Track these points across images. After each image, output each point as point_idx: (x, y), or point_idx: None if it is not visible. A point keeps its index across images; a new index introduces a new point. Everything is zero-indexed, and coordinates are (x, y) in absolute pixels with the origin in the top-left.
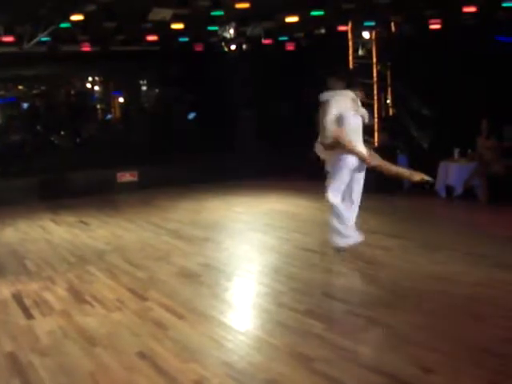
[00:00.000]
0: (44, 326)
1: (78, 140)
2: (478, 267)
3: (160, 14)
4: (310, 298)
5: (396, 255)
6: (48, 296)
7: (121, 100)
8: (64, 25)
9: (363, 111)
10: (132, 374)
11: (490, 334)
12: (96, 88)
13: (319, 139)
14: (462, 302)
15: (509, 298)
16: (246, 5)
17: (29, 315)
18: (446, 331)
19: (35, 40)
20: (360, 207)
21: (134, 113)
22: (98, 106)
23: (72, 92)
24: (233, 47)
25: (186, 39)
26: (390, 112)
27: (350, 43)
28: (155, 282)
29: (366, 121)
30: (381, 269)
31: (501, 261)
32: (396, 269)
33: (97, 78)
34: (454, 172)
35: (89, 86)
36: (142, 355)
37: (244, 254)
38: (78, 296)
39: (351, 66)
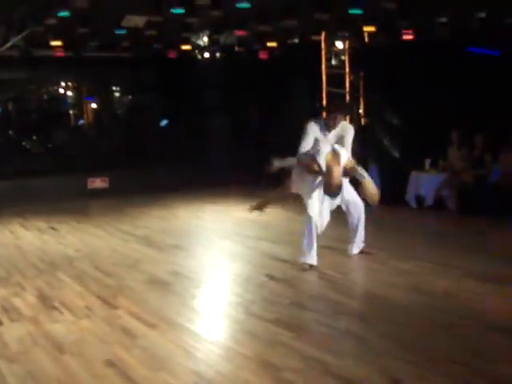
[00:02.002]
0: (12, 332)
1: (49, 145)
2: (447, 277)
3: (133, 21)
4: (279, 308)
5: (365, 265)
6: (17, 302)
7: (93, 106)
8: (37, 29)
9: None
10: (100, 382)
11: (459, 344)
12: (69, 93)
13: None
14: (431, 312)
15: (478, 307)
16: (219, 12)
17: None
18: (416, 341)
19: (8, 44)
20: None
21: (106, 119)
22: (71, 112)
23: (44, 97)
24: (206, 55)
25: (160, 46)
26: (362, 122)
27: (323, 53)
28: (124, 290)
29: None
30: (350, 279)
31: (470, 270)
32: (366, 279)
33: (69, 84)
34: (424, 182)
35: (61, 91)
36: (110, 363)
37: (214, 263)
38: (47, 302)
39: (324, 75)
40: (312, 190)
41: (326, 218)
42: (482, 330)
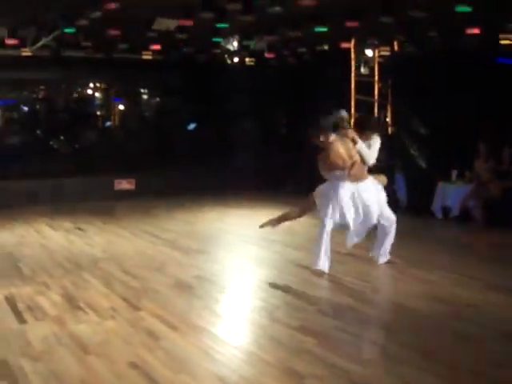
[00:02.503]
0: (37, 331)
1: (76, 145)
2: (471, 289)
3: (164, 24)
4: (303, 314)
5: (389, 274)
6: (42, 301)
7: (121, 107)
8: (68, 30)
9: None
10: (123, 383)
11: (480, 356)
12: (97, 94)
13: None
14: (454, 323)
15: (501, 320)
16: (250, 18)
17: (21, 319)
18: (438, 352)
19: (39, 44)
20: None
21: (133, 121)
22: (98, 113)
23: (73, 97)
24: (236, 60)
25: (190, 50)
26: (389, 131)
27: (353, 61)
28: (149, 292)
29: None
30: (374, 287)
31: (494, 283)
32: (389, 287)
33: (98, 85)
34: (451, 193)
35: (90, 92)
36: (134, 365)
37: (238, 267)
38: (72, 302)
39: (353, 83)
40: (331, 201)
41: (359, 234)
42: (504, 341)
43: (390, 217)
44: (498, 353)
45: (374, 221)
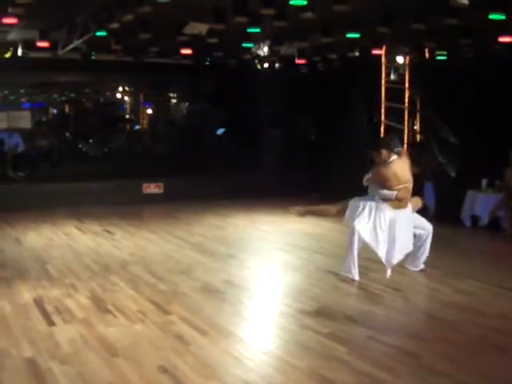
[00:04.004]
0: (65, 333)
1: (105, 149)
2: (503, 299)
3: (196, 28)
4: (333, 321)
5: (421, 283)
6: (70, 303)
7: (149, 111)
8: (99, 33)
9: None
10: None
11: None
12: (126, 98)
13: None
14: (487, 334)
15: None
16: (282, 23)
17: (50, 321)
18: (472, 363)
19: (70, 46)
20: None
21: (162, 125)
22: (127, 116)
23: (102, 100)
24: (266, 65)
25: (220, 54)
26: (418, 138)
27: (383, 67)
28: (178, 296)
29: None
30: (406, 296)
31: None
32: (421, 296)
33: (127, 88)
34: (480, 202)
35: (119, 95)
36: (163, 369)
37: (267, 273)
38: (100, 305)
39: (383, 90)
40: (369, 216)
41: (397, 254)
42: None
43: (426, 226)
44: None
45: (411, 248)
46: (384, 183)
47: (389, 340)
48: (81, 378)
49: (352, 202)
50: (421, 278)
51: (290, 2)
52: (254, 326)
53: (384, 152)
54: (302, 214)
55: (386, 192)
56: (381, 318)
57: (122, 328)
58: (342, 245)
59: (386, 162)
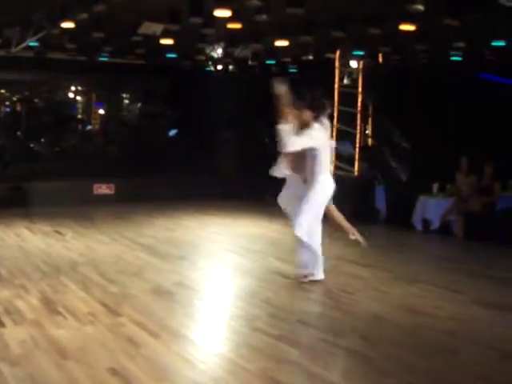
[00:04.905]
0: (15, 334)
1: (57, 148)
2: (453, 302)
3: (151, 28)
4: (284, 324)
5: (372, 286)
6: (20, 304)
7: (102, 112)
8: (53, 31)
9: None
10: None
11: (464, 369)
12: (78, 98)
13: None
14: (437, 337)
15: (484, 333)
16: (237, 25)
17: None
18: (421, 365)
19: (23, 44)
20: (335, 236)
21: (114, 125)
22: (79, 116)
23: (54, 100)
24: (219, 67)
25: (174, 55)
26: (369, 142)
27: (337, 71)
28: (128, 298)
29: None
30: (357, 298)
31: (475, 296)
32: (372, 299)
33: (80, 88)
34: (431, 206)
35: (71, 95)
36: (114, 371)
37: (219, 276)
38: (50, 306)
39: (336, 94)
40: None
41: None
42: (486, 354)
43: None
44: (482, 366)
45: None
46: None
47: (340, 342)
48: (31, 380)
49: None
50: (371, 281)
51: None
52: (205, 328)
53: None
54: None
55: None
56: (332, 321)
57: (72, 330)
58: (293, 248)
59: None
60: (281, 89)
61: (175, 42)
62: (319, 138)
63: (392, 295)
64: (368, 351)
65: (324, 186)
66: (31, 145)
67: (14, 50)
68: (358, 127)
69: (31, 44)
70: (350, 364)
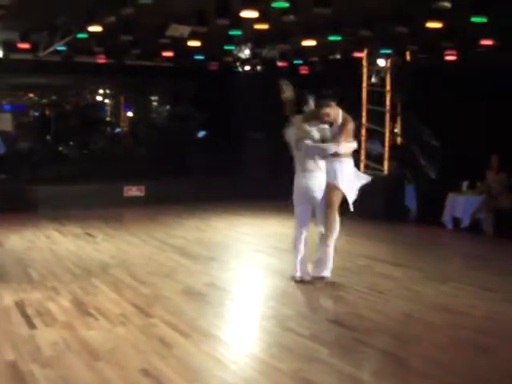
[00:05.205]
0: (46, 336)
1: (86, 151)
2: (485, 300)
3: (178, 30)
4: (315, 324)
5: (403, 285)
6: (51, 306)
7: (130, 114)
8: (81, 35)
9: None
10: None
11: (498, 368)
12: (107, 101)
13: None
14: (470, 335)
15: None
16: (265, 26)
17: (31, 325)
18: (455, 364)
19: (51, 48)
20: (366, 234)
21: (143, 128)
22: (108, 119)
23: (82, 103)
24: (247, 68)
25: (202, 57)
26: (398, 141)
27: (365, 70)
28: (160, 299)
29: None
30: (388, 298)
31: (508, 294)
32: (403, 299)
33: (108, 91)
34: (461, 204)
35: (100, 98)
36: (146, 372)
37: (249, 276)
38: (81, 308)
39: (364, 93)
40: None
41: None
42: None
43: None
44: None
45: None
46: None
47: (372, 342)
48: (62, 382)
49: None
50: (402, 280)
51: (273, 5)
52: (236, 328)
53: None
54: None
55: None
56: (364, 320)
57: (103, 331)
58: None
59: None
60: (287, 92)
61: (202, 43)
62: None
63: (423, 294)
64: (400, 351)
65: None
66: (60, 148)
67: (41, 54)
68: (387, 126)
69: (59, 48)
70: (382, 364)
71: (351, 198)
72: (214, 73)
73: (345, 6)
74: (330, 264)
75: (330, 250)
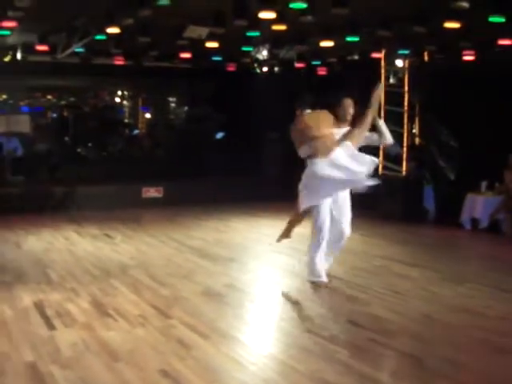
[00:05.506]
0: (66, 337)
1: (104, 153)
2: (503, 301)
3: (196, 31)
4: (334, 325)
5: (420, 286)
6: (71, 307)
7: (148, 116)
8: (99, 37)
9: None
10: None
11: None
12: (125, 102)
13: None
14: (488, 336)
15: None
16: (282, 27)
17: (50, 325)
18: (472, 365)
19: (69, 50)
20: (383, 235)
21: (161, 129)
22: (126, 121)
23: (100, 105)
24: (265, 69)
25: (220, 58)
26: (417, 141)
27: (383, 70)
28: (179, 300)
29: None
30: (406, 299)
31: None
32: (420, 299)
33: (126, 93)
34: (480, 204)
35: (118, 99)
36: (165, 373)
37: (269, 277)
38: (101, 309)
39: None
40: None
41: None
42: None
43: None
44: None
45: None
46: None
47: (390, 343)
48: (82, 383)
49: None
50: (420, 281)
51: (290, 6)
52: (255, 329)
53: None
54: (286, 236)
55: None
56: (381, 321)
57: (123, 332)
58: (344, 249)
59: None
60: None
61: (220, 44)
62: None
63: (441, 295)
64: (418, 351)
65: None
66: (78, 149)
67: (59, 56)
68: (406, 126)
69: (77, 50)
70: (401, 365)
71: (303, 205)
72: (231, 74)
73: (362, 6)
74: (311, 267)
75: (311, 255)
